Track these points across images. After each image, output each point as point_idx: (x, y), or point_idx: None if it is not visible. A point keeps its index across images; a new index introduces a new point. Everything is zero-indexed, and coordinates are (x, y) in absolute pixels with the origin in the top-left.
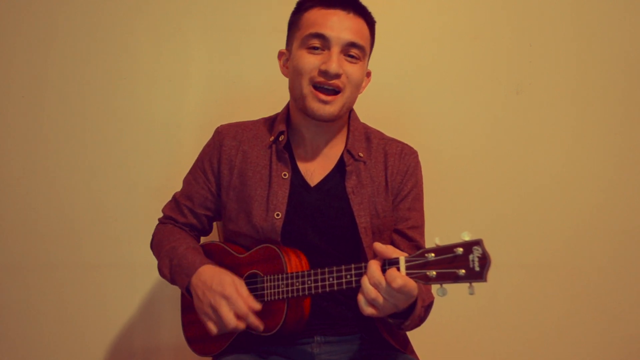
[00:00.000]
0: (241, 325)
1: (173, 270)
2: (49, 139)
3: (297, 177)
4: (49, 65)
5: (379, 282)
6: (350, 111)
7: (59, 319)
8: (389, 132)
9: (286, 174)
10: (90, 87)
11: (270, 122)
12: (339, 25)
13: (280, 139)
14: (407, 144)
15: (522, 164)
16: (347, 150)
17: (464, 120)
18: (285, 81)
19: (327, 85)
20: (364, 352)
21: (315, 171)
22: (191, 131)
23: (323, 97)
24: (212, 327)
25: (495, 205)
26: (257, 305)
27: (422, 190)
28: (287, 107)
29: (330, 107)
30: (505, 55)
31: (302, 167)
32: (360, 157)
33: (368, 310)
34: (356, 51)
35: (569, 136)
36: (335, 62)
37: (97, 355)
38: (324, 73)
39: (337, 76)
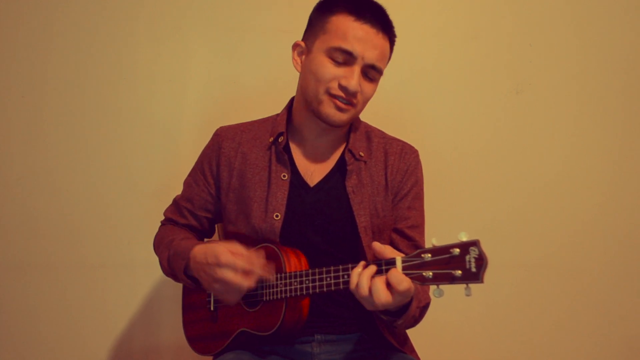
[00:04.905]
0: (252, 281)
1: (170, 259)
2: (49, 139)
3: (297, 178)
4: (49, 65)
5: (363, 294)
6: None
7: (59, 318)
8: (389, 132)
9: (285, 175)
10: (90, 87)
11: (270, 123)
12: (364, 45)
13: (279, 140)
14: (407, 143)
15: (522, 164)
16: (348, 149)
17: (464, 120)
18: (285, 81)
19: (342, 100)
20: (363, 352)
21: (315, 171)
22: (191, 131)
23: (340, 104)
24: (229, 298)
25: (495, 205)
26: (259, 256)
27: (422, 190)
28: (288, 107)
29: (344, 115)
30: (505, 55)
31: (302, 167)
32: (361, 156)
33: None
34: (375, 73)
35: (569, 136)
36: (355, 81)
37: (97, 355)
38: (343, 88)
39: (355, 94)
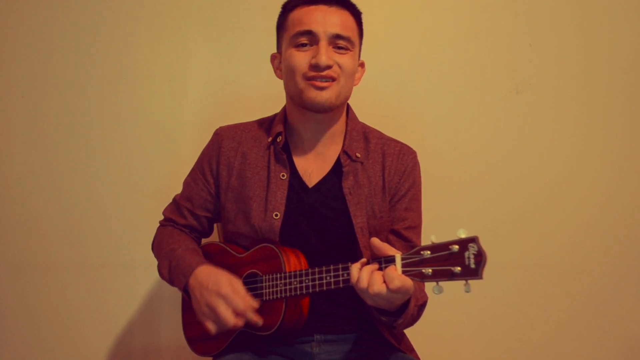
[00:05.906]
0: (240, 323)
1: (171, 272)
2: (49, 139)
3: (295, 178)
4: (49, 65)
5: (362, 287)
6: (349, 111)
7: (59, 318)
8: (389, 132)
9: (284, 175)
10: (90, 88)
11: (268, 123)
12: (323, 20)
13: (278, 140)
14: (405, 144)
15: (522, 164)
16: (344, 151)
17: (464, 120)
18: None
19: (320, 78)
20: (362, 352)
21: (313, 172)
22: (190, 131)
23: (318, 83)
24: (211, 326)
25: (495, 205)
26: (255, 303)
27: (419, 191)
28: (285, 108)
29: (326, 93)
30: (505, 55)
31: (300, 168)
32: (358, 157)
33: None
34: (343, 42)
35: (569, 136)
36: (324, 55)
37: (97, 355)
38: (314, 67)
39: (329, 67)
